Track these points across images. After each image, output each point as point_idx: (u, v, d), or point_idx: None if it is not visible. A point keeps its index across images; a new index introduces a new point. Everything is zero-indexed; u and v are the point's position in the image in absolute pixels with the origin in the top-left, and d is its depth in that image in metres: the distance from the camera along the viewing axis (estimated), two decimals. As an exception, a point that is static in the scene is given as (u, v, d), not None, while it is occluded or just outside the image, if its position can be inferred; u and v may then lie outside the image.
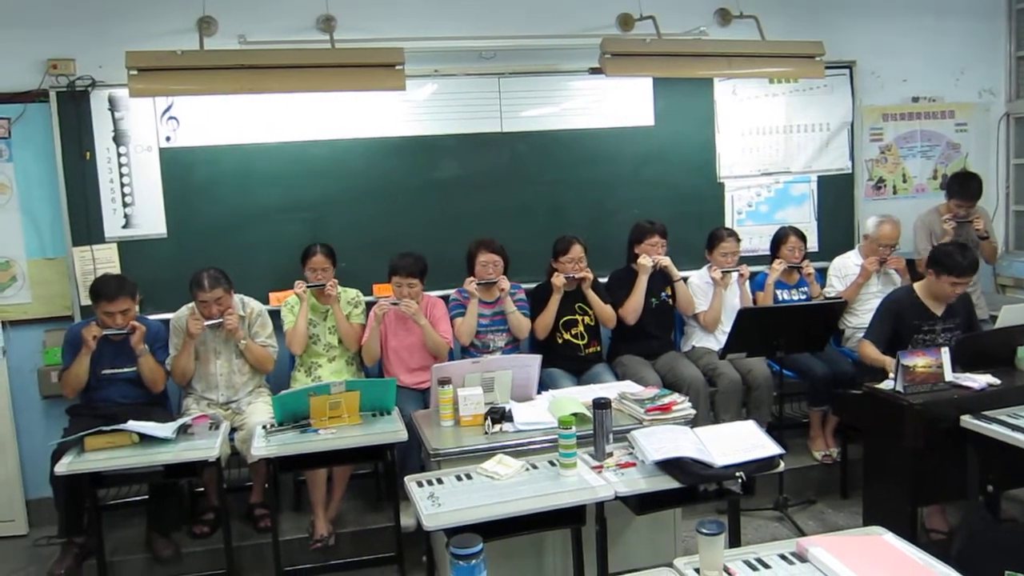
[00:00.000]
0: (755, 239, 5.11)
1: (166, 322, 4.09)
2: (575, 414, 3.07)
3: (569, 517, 2.71)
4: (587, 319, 4.50)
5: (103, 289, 3.77)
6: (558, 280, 4.35)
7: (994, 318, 3.99)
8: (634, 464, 2.82)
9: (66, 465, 3.18)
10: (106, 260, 4.33)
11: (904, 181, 5.51)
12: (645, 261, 4.48)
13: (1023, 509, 3.91)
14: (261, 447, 3.25)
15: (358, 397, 3.46)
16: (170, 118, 4.39)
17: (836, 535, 2.24)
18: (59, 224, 4.31)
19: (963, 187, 4.85)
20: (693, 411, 3.41)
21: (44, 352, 4.34)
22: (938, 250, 4.02)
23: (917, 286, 4.08)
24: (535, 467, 2.86)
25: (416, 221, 4.68)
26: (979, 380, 3.38)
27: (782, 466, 2.88)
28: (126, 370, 3.89)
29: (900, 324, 4.00)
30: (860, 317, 4.66)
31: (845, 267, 4.84)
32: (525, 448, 3.12)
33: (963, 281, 3.88)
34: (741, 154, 5.16)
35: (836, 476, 4.39)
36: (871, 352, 3.97)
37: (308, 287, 4.19)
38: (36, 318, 4.38)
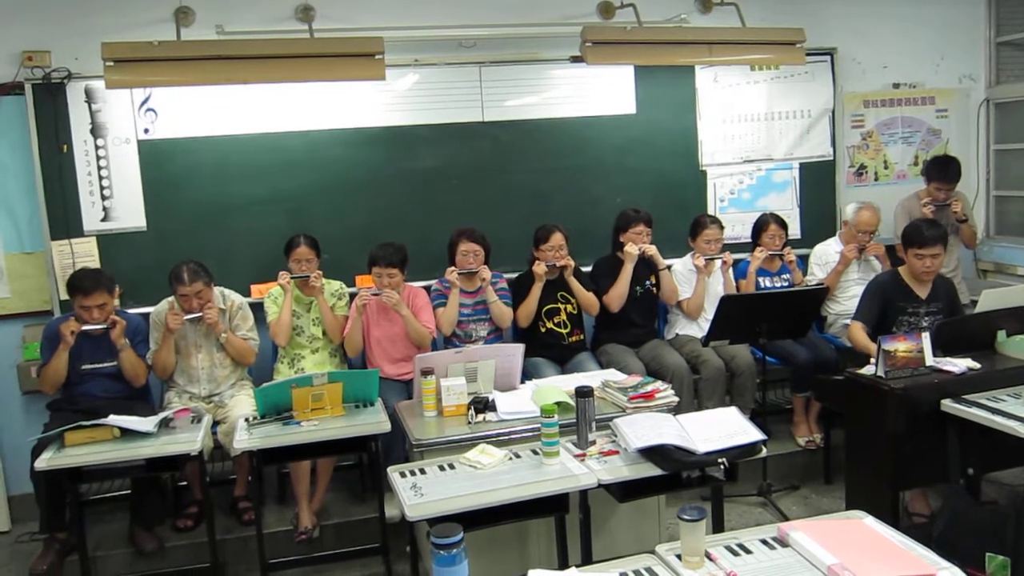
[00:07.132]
0: (738, 226, 5.10)
1: (147, 316, 4.06)
2: (558, 403, 3.06)
3: (552, 505, 2.71)
4: (570, 307, 4.50)
5: (79, 283, 3.73)
6: (540, 268, 4.35)
7: (974, 302, 4.01)
8: (617, 452, 2.82)
9: (46, 460, 3.14)
10: (85, 254, 4.29)
11: (885, 167, 5.53)
12: (632, 249, 4.48)
13: (1003, 491, 3.95)
14: (244, 440, 3.24)
15: (341, 388, 3.45)
16: (148, 110, 4.34)
17: (817, 519, 2.24)
18: (37, 218, 4.27)
19: (942, 170, 4.86)
20: (676, 398, 3.41)
21: (23, 347, 4.29)
22: (907, 226, 4.10)
23: (902, 270, 4.10)
24: (518, 456, 2.86)
25: (398, 212, 4.66)
26: (959, 364, 3.39)
27: (765, 452, 2.89)
28: (106, 365, 3.86)
29: (887, 305, 4.03)
30: (842, 304, 4.69)
31: (826, 255, 4.85)
32: (508, 437, 3.13)
33: (927, 252, 3.90)
34: (723, 141, 5.16)
35: (819, 461, 4.42)
36: (860, 337, 3.98)
37: (292, 278, 4.17)
38: (15, 313, 4.34)
